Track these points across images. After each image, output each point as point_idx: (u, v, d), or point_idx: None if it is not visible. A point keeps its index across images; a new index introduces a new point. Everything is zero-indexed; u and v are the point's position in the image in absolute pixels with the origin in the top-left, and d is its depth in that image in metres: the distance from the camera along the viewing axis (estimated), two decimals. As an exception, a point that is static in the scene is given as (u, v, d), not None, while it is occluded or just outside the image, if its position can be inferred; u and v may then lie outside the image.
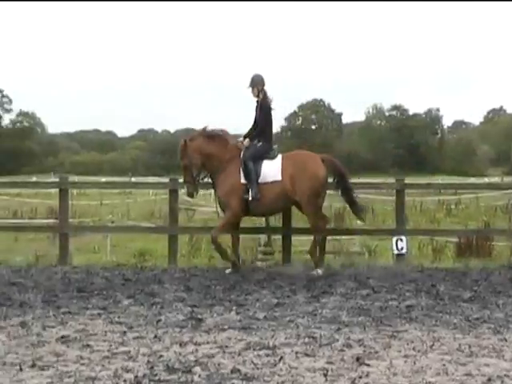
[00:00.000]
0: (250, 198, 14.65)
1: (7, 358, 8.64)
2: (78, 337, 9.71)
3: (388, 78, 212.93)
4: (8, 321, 10.70)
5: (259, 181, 14.66)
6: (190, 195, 15.50)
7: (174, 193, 16.74)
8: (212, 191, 16.17)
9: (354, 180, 17.93)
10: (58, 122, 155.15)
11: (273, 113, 15.45)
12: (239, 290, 12.98)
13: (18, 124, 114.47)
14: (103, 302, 12.09)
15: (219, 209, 15.31)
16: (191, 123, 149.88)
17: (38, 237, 21.26)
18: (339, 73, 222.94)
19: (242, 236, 15.89)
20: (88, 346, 9.26)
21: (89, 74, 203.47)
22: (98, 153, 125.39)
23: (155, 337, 9.62)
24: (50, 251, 17.77)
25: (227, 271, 14.85)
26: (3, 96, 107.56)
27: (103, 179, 52.47)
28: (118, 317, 10.88)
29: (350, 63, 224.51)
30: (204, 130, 15.27)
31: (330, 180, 15.43)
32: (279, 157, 15.00)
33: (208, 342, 9.27)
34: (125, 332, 10.01)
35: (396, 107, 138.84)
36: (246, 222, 16.88)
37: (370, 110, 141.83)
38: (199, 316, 10.86)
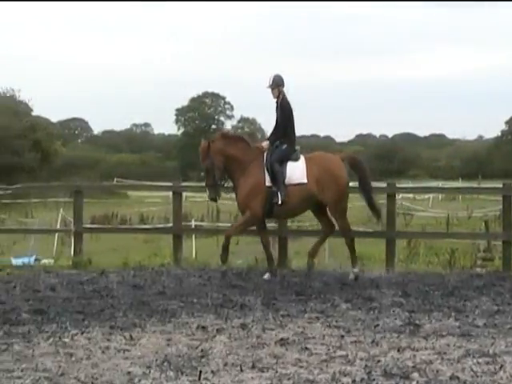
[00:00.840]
0: (280, 202, 14.30)
1: (228, 358, 8.85)
2: (296, 339, 9.82)
3: None
4: (229, 322, 10.96)
5: (284, 181, 14.33)
6: (213, 200, 15.18)
7: (390, 197, 16.62)
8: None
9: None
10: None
11: (294, 114, 14.97)
12: (458, 296, 12.76)
13: (240, 130, 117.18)
14: (321, 306, 12.17)
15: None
16: (409, 128, 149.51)
17: (257, 240, 21.61)
18: None
19: (460, 241, 15.62)
20: (306, 348, 9.34)
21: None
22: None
23: (373, 341, 9.61)
24: None
25: (265, 276, 14.67)
26: (225, 103, 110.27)
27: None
28: (336, 320, 10.95)
29: None
30: (225, 132, 15.21)
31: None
32: (302, 158, 14.66)
33: (426, 348, 9.18)
34: (342, 336, 10.03)
35: None
36: (462, 226, 16.57)
37: None
38: (417, 322, 10.76)
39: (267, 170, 14.36)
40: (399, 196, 28.33)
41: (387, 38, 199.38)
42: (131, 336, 10.04)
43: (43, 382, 7.92)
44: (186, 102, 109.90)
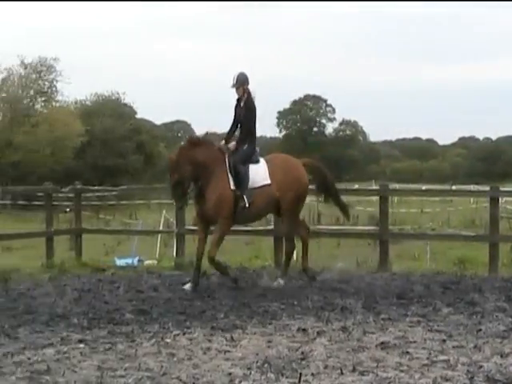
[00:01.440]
0: (247, 205, 13.71)
1: (329, 361, 8.87)
2: (397, 343, 9.78)
3: None
4: (329, 325, 10.96)
5: (249, 186, 13.75)
6: (181, 208, 14.70)
7: (494, 201, 16.38)
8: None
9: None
10: (378, 130, 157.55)
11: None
12: None
13: (341, 133, 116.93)
14: (423, 310, 12.08)
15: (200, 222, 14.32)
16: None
17: (359, 243, 21.62)
18: None
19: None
20: (407, 353, 9.28)
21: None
22: (418, 160, 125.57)
23: (475, 346, 9.50)
24: (370, 258, 18.10)
25: (186, 286, 13.74)
26: (327, 105, 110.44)
27: (423, 187, 52.46)
28: (438, 325, 10.86)
29: None
30: (192, 138, 14.69)
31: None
32: (262, 160, 14.17)
33: (530, 354, 9.03)
34: (444, 340, 9.96)
35: None
36: None
37: None
38: (521, 327, 10.62)
39: (230, 172, 13.76)
40: (503, 200, 27.93)
41: (488, 40, 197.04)
42: (232, 337, 10.12)
43: (146, 381, 8.07)
44: (287, 105, 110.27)
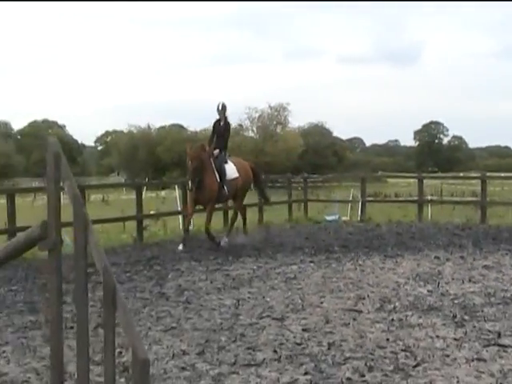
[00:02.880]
0: (227, 192, 12.54)
1: (454, 275, 8.87)
2: (494, 265, 9.63)
3: None
4: (453, 255, 10.74)
5: (226, 178, 12.49)
6: (191, 190, 12.16)
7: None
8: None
9: None
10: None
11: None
12: None
13: (451, 143, 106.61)
14: (509, 246, 11.66)
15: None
16: None
17: (467, 207, 20.03)
18: None
19: None
20: (501, 271, 9.16)
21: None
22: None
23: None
24: (474, 216, 17.08)
25: (180, 247, 11.89)
26: (443, 127, 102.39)
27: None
28: (521, 256, 10.58)
29: None
30: (203, 144, 12.85)
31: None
32: (229, 161, 12.82)
33: None
34: None
35: None
36: None
37: None
38: None
39: (217, 170, 12.36)
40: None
41: None
42: (396, 261, 10.28)
43: (349, 284, 8.42)
44: (419, 126, 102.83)
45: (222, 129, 12.82)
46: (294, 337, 5.97)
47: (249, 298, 7.72)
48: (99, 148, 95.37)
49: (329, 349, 5.56)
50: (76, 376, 3.57)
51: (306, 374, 4.93)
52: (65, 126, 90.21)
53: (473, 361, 5.13)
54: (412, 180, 48.67)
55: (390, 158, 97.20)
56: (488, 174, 22.24)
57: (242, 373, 4.99)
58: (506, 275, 8.91)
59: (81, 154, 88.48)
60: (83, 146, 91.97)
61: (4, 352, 5.70)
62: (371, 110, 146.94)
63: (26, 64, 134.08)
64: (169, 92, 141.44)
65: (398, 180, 50.40)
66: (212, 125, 13.12)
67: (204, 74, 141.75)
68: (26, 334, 6.28)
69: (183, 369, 5.11)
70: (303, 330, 6.21)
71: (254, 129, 62.67)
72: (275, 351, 5.52)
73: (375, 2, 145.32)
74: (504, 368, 4.95)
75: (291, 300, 7.52)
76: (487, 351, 5.38)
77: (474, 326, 6.17)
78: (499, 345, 5.55)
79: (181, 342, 5.84)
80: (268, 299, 7.61)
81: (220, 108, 12.70)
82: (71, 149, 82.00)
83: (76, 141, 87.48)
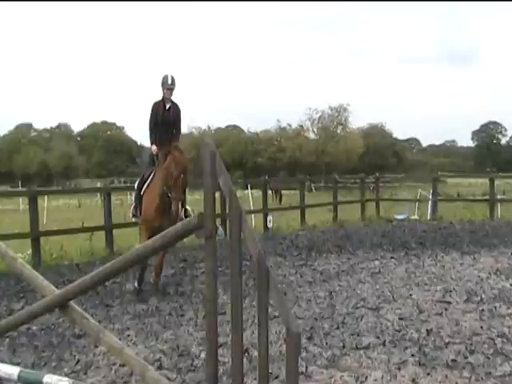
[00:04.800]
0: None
1: None
2: None
3: None
4: None
5: None
6: None
7: None
8: None
9: None
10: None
11: None
12: None
13: (510, 143, 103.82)
14: None
15: None
16: None
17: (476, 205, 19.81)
18: None
19: None
20: None
21: None
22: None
23: None
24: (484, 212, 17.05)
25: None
26: (502, 127, 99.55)
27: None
28: None
29: None
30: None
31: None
32: None
33: None
34: None
35: None
36: None
37: None
38: None
39: None
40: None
41: None
42: (474, 257, 10.38)
43: (432, 278, 8.58)
44: (477, 126, 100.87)
45: (169, 115, 8.42)
46: (392, 324, 6.31)
47: (340, 290, 8.07)
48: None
49: (428, 335, 5.89)
50: (231, 351, 4.04)
51: (412, 356, 5.28)
52: (123, 128, 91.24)
53: None
54: (473, 180, 48.15)
55: (446, 158, 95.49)
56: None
57: (352, 355, 5.37)
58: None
59: (140, 155, 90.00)
60: (142, 147, 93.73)
61: (129, 335, 6.23)
62: (428, 111, 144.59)
63: (84, 65, 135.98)
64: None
65: (457, 180, 49.87)
66: (152, 109, 8.44)
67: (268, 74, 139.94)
68: (142, 320, 6.80)
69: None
70: (399, 318, 6.55)
71: (315, 129, 62.94)
72: (378, 337, 5.88)
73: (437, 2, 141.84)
74: None
75: (381, 292, 7.84)
76: None
77: None
78: None
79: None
80: (359, 291, 7.94)
81: (170, 82, 8.33)
82: (130, 149, 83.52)
83: (135, 142, 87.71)
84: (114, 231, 11.90)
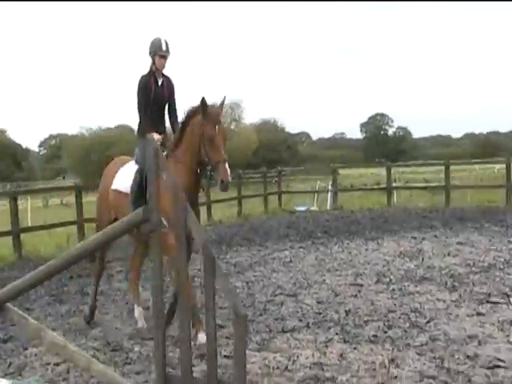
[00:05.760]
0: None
1: (433, 251, 9.62)
2: (467, 242, 10.35)
3: None
4: (427, 234, 11.48)
5: None
6: None
7: None
8: None
9: None
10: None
11: None
12: None
13: (396, 134, 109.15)
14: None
15: None
16: None
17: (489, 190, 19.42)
18: None
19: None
20: (473, 245, 9.91)
21: None
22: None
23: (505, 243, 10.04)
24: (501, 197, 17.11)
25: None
26: (389, 119, 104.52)
27: None
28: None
29: None
30: None
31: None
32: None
33: None
34: (490, 240, 10.41)
35: None
36: None
37: None
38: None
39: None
40: None
41: None
42: (377, 242, 10.98)
43: (341, 264, 9.07)
44: (365, 119, 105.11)
45: (164, 92, 6.32)
46: (312, 308, 6.68)
47: (256, 280, 8.35)
48: (41, 153, 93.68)
49: (347, 315, 6.31)
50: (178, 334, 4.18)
51: (336, 334, 5.66)
52: (6, 131, 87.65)
53: (473, 316, 5.97)
54: (363, 171, 50.20)
55: (337, 150, 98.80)
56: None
57: (280, 338, 5.67)
58: (478, 249, 9.75)
59: (26, 159, 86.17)
60: (27, 150, 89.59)
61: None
62: (317, 104, 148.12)
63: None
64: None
65: (348, 171, 51.85)
66: (139, 85, 6.22)
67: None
68: (66, 321, 6.70)
69: (227, 338, 5.69)
70: (318, 302, 6.93)
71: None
72: (300, 320, 6.22)
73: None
74: (500, 319, 5.80)
75: (296, 279, 8.21)
76: (483, 308, 6.23)
77: (465, 290, 7.02)
78: (491, 302, 6.41)
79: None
80: (274, 280, 8.27)
81: (164, 48, 6.20)
82: (15, 153, 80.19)
83: (19, 145, 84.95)
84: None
